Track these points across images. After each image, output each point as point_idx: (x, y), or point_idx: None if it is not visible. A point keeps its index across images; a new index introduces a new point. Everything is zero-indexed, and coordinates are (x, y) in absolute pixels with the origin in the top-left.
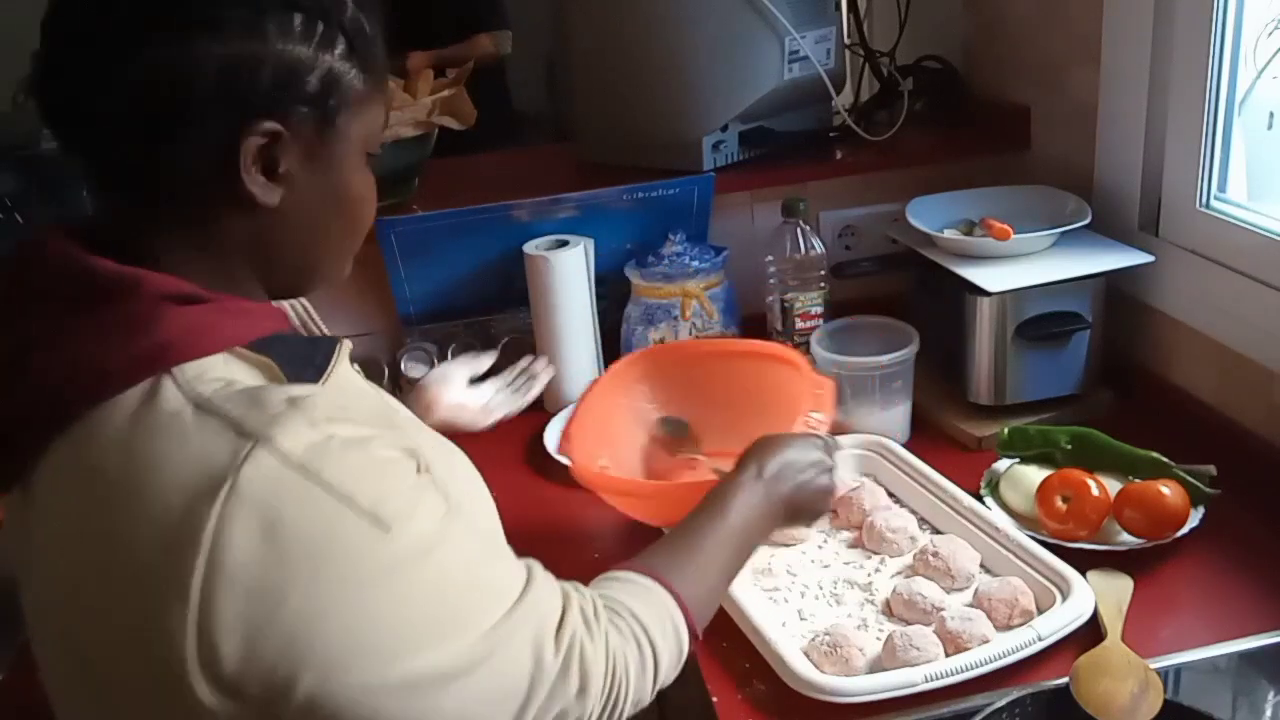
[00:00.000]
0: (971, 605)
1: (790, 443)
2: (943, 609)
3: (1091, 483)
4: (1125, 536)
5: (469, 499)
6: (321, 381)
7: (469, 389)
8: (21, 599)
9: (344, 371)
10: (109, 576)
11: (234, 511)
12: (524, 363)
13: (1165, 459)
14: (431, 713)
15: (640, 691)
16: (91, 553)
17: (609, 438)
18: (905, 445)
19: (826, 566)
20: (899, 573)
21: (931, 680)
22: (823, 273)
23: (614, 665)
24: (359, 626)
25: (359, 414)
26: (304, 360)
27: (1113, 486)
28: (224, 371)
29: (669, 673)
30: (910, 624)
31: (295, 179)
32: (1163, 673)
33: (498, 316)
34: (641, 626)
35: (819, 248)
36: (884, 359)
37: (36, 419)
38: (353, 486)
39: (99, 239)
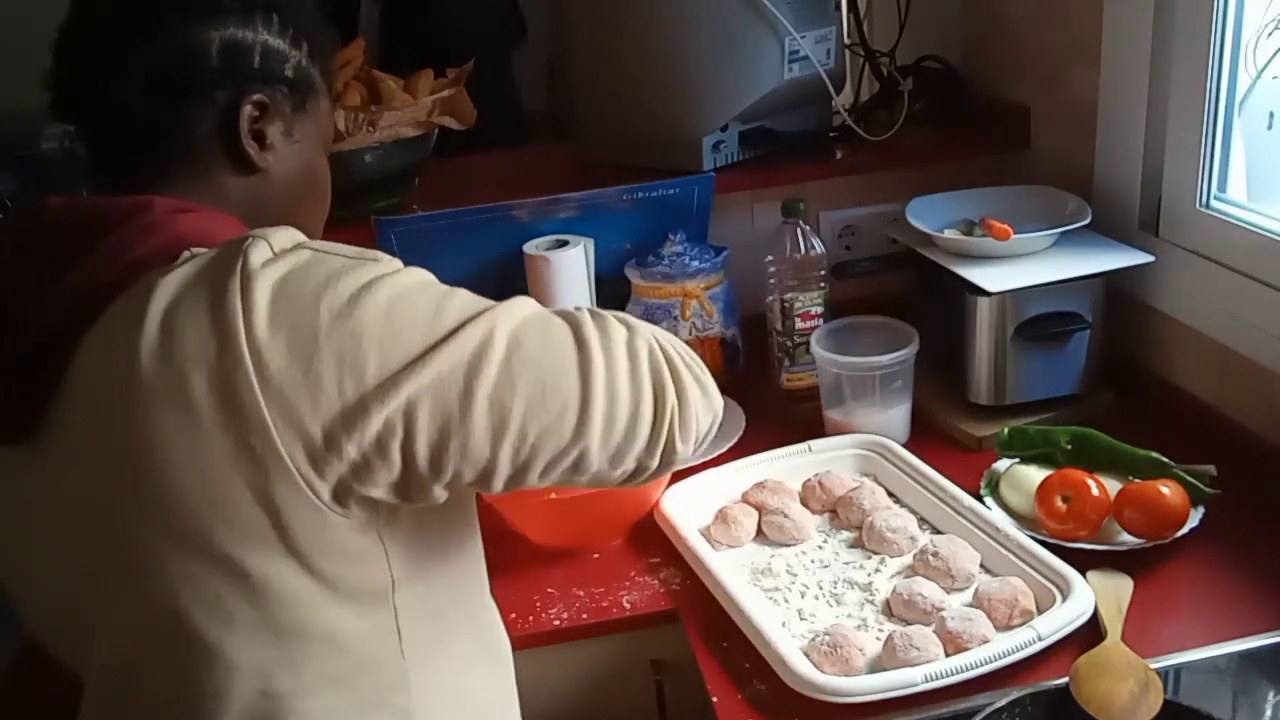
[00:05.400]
0: (971, 605)
1: None
2: (943, 609)
3: (1091, 483)
4: (1125, 536)
5: None
6: None
7: None
8: (18, 580)
9: None
10: (171, 391)
11: (250, 277)
12: None
13: (1165, 459)
14: (491, 356)
15: (683, 345)
16: (145, 384)
17: None
18: (905, 445)
19: (826, 566)
20: (899, 573)
21: (931, 680)
22: (823, 273)
23: (649, 328)
24: (387, 318)
25: None
26: None
27: (1113, 486)
28: None
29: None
30: (910, 624)
31: (278, 148)
32: (1163, 673)
33: None
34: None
35: (819, 248)
36: (884, 359)
37: (68, 324)
38: (336, 248)
39: None
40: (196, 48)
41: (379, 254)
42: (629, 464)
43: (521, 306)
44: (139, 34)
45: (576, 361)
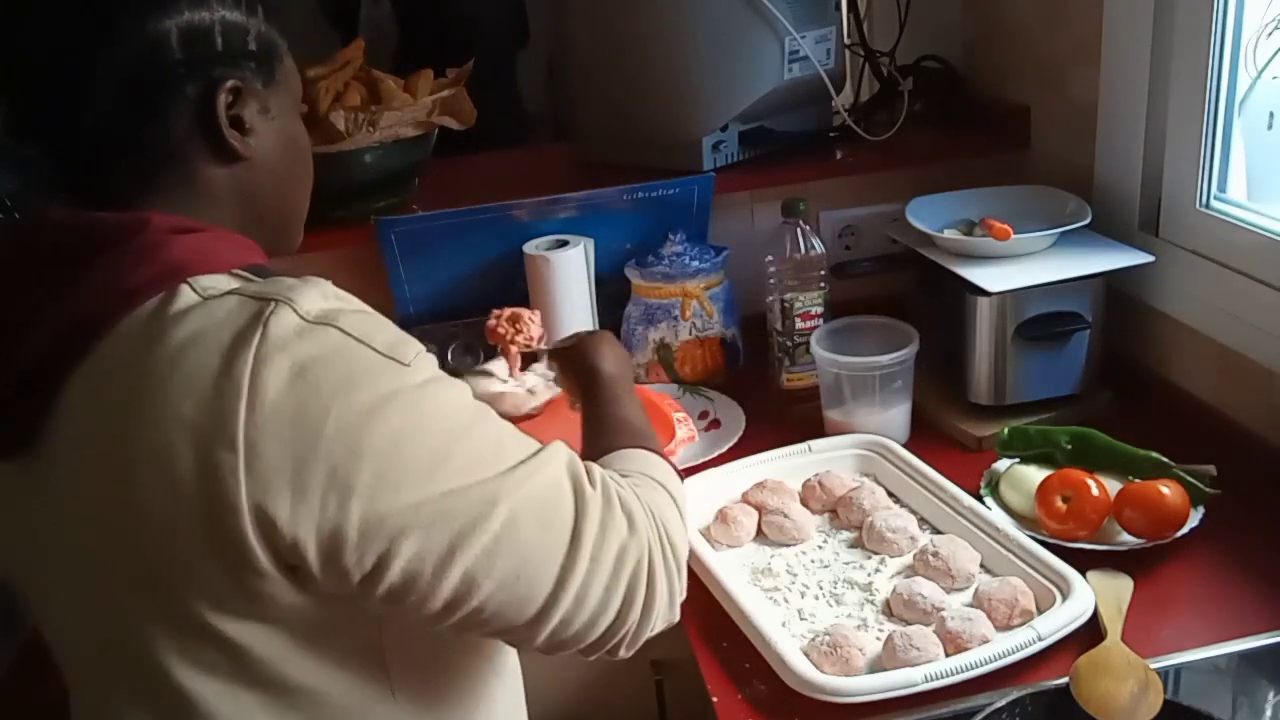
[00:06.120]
0: (971, 605)
1: (593, 341)
2: (943, 609)
3: (1091, 483)
4: (1125, 536)
5: None
6: None
7: (506, 380)
8: (23, 583)
9: None
10: (157, 456)
11: (266, 357)
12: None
13: (1165, 459)
14: (482, 531)
15: (678, 533)
16: (133, 444)
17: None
18: (905, 445)
19: (826, 566)
20: (899, 573)
21: (931, 680)
22: (823, 273)
23: (649, 506)
24: (394, 446)
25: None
26: None
27: (1113, 486)
28: (231, 284)
29: (685, 512)
30: (910, 624)
31: (257, 130)
32: (1163, 673)
33: None
34: (647, 475)
35: (819, 248)
36: (884, 359)
37: (57, 353)
38: (369, 334)
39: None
40: (157, 41)
41: (410, 347)
42: (568, 652)
43: (536, 471)
44: (95, 41)
45: (561, 560)
